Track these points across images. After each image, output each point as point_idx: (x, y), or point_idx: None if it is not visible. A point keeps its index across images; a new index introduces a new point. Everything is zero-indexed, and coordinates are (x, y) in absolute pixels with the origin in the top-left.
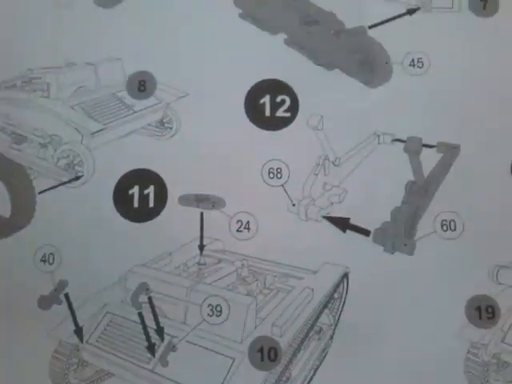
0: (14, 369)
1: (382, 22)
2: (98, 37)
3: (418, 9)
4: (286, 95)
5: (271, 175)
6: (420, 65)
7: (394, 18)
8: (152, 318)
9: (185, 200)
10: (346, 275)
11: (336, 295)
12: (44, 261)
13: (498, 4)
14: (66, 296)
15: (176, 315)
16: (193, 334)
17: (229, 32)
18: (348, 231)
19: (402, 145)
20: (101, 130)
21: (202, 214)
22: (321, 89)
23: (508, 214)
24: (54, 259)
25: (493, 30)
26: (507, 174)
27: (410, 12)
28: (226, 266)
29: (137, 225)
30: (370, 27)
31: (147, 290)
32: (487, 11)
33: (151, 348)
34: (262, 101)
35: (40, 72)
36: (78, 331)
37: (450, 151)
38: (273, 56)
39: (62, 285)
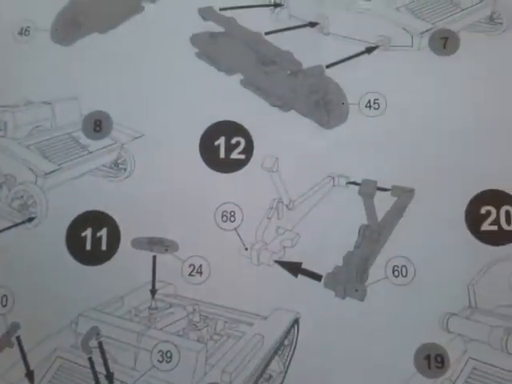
0: None
1: (340, 61)
2: (56, 75)
3: (377, 47)
4: (241, 137)
5: (224, 218)
6: (376, 106)
7: (352, 57)
8: (102, 362)
9: (138, 243)
10: (296, 321)
11: (286, 342)
12: None
13: (458, 42)
14: (18, 339)
15: (126, 360)
16: (142, 380)
17: (185, 72)
18: (300, 276)
19: (356, 188)
20: (55, 170)
21: (154, 257)
22: (276, 130)
23: (460, 262)
24: (7, 301)
25: (453, 69)
26: (461, 221)
27: (369, 50)
28: (177, 310)
29: (89, 268)
30: (328, 66)
31: (98, 334)
32: (447, 50)
33: None
34: (216, 143)
35: None
36: (29, 375)
37: (404, 195)
38: (229, 97)
39: (15, 327)
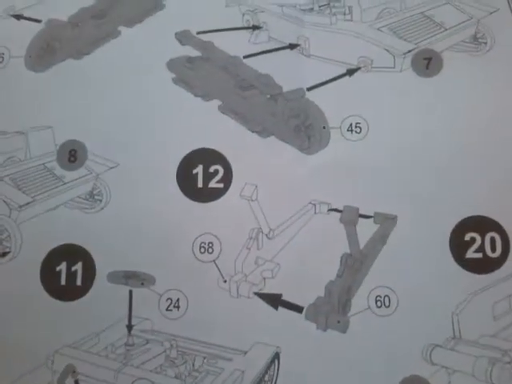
0: None
1: (321, 84)
2: (30, 103)
3: (359, 69)
4: (220, 165)
5: (202, 250)
6: (358, 130)
7: (333, 79)
8: None
9: (113, 277)
10: (277, 355)
11: (267, 377)
12: None
13: (441, 63)
14: None
15: None
16: None
17: (161, 98)
18: (280, 308)
19: (338, 215)
20: (29, 202)
21: (130, 291)
22: (256, 157)
23: (445, 291)
24: None
25: (436, 90)
26: (445, 248)
27: (350, 73)
28: (154, 346)
29: (64, 304)
30: (309, 89)
31: (74, 372)
32: (430, 71)
33: None
34: (194, 171)
35: None
36: None
37: (386, 222)
38: (206, 124)
39: None
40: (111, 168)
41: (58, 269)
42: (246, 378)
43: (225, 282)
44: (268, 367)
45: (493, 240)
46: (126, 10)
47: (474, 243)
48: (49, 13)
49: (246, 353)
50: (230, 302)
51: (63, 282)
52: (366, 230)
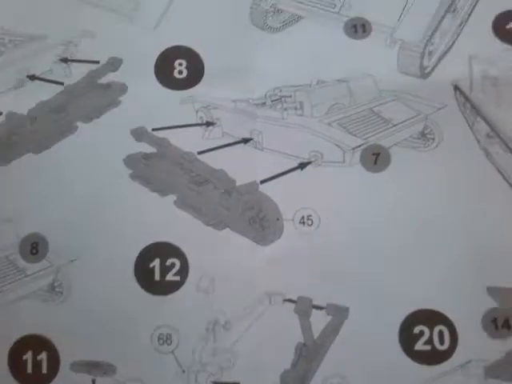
0: None
1: (274, 177)
2: None
3: (310, 163)
4: (176, 258)
5: (161, 341)
6: (310, 222)
7: (285, 173)
8: None
9: (77, 366)
10: None
11: None
12: None
13: (389, 158)
14: None
15: None
16: None
17: (119, 193)
18: None
19: (292, 305)
20: None
21: (93, 380)
22: (211, 250)
23: (395, 381)
24: None
25: (384, 185)
26: (394, 341)
27: (302, 166)
28: None
29: None
30: (262, 182)
31: None
32: (378, 166)
33: None
34: (151, 265)
35: None
36: None
37: (338, 313)
38: (163, 218)
39: None
40: (72, 261)
41: (24, 358)
42: None
43: (183, 372)
44: None
45: (441, 333)
46: (82, 106)
47: (423, 336)
48: (8, 105)
49: None
50: None
51: (29, 370)
52: (319, 320)
